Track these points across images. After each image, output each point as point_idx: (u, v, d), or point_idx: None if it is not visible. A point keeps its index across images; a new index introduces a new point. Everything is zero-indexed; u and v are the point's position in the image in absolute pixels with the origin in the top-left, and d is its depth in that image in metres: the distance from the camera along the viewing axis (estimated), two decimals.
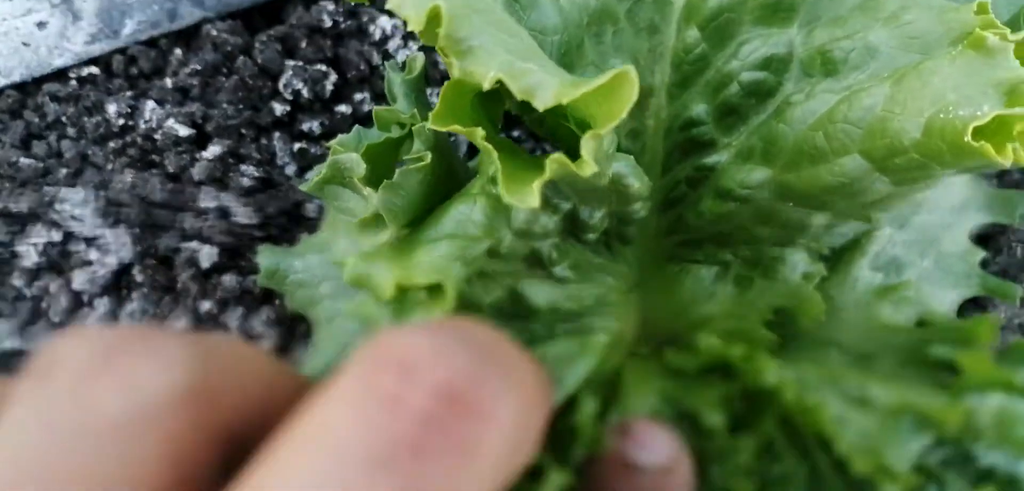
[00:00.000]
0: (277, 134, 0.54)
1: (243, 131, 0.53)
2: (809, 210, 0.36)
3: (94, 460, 0.20)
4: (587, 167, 0.25)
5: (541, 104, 0.24)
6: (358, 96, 0.54)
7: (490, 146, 0.26)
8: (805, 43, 0.35)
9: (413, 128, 0.36)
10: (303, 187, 0.40)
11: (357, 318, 0.40)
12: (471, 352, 0.22)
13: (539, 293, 0.38)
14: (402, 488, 0.19)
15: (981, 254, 0.51)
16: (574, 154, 0.26)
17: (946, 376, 0.44)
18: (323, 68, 0.54)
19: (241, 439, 0.23)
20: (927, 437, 0.35)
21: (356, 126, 0.40)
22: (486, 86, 0.25)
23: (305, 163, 0.53)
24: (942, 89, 0.29)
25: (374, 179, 0.35)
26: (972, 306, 0.53)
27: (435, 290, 0.33)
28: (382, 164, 0.36)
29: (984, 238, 0.55)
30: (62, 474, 0.20)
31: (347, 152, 0.37)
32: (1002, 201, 0.52)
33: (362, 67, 0.55)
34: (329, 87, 0.54)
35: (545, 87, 0.24)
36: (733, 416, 0.43)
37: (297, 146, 0.54)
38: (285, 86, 0.55)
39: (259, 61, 0.56)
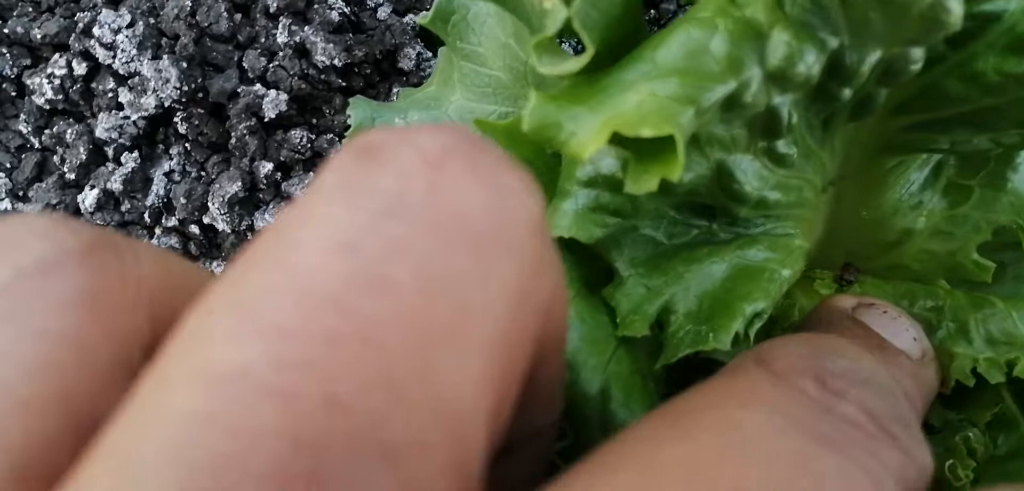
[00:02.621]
0: None
1: None
2: None
3: (455, 267, 0.16)
4: None
5: None
6: None
7: None
8: None
9: None
10: (420, 19, 0.31)
11: None
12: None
13: (751, 175, 0.29)
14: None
15: None
16: None
17: None
18: None
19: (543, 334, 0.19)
20: None
21: None
22: None
23: (401, 5, 0.43)
24: None
25: None
26: None
27: (652, 148, 0.24)
28: None
29: None
30: None
31: None
32: None
33: None
34: None
35: None
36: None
37: None
38: None
39: None
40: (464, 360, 0.16)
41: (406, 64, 0.42)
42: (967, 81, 0.30)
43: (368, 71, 0.42)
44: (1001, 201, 0.38)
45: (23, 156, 0.45)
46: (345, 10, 0.42)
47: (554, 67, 0.25)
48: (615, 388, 0.29)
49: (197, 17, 0.41)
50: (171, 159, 0.42)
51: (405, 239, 0.15)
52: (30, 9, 0.44)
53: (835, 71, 0.27)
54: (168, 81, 0.41)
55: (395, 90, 0.41)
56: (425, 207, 0.16)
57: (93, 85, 0.43)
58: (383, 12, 0.44)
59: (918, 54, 0.27)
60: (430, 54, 0.42)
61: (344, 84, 0.41)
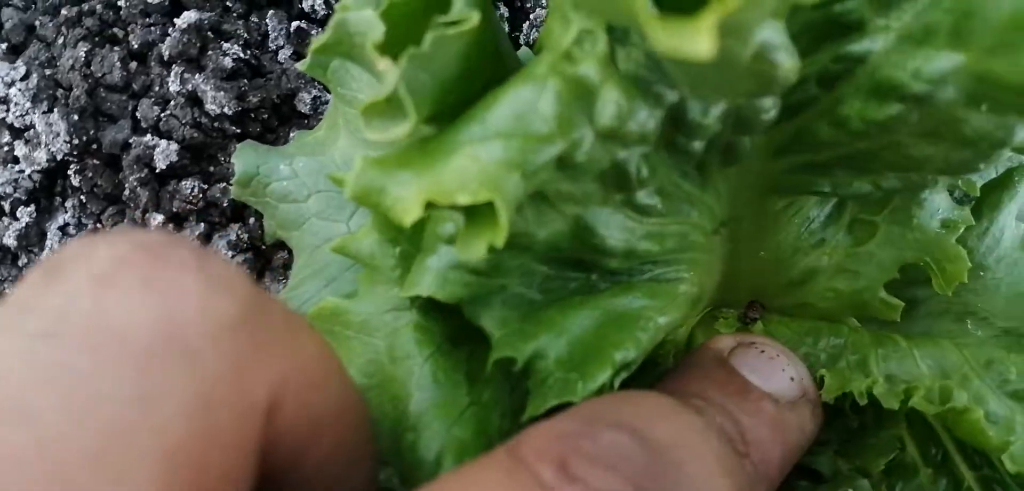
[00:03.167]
0: (272, 11, 0.43)
1: (229, 3, 0.43)
2: (1010, 118, 0.27)
3: (108, 388, 0.16)
4: None
5: None
6: None
7: None
8: None
9: None
10: (300, 65, 0.30)
11: (346, 255, 0.30)
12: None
13: (614, 227, 0.28)
14: None
15: None
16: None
17: None
18: None
19: (277, 433, 0.19)
20: None
21: None
22: None
23: (303, 47, 0.42)
24: None
25: (395, 48, 0.25)
26: None
27: (479, 214, 0.23)
28: (408, 28, 0.26)
29: None
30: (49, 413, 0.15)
31: (360, 9, 0.27)
32: None
33: None
34: None
35: None
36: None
37: (295, 25, 0.43)
38: None
39: None
40: (118, 482, 0.15)
41: (305, 107, 0.42)
42: (836, 126, 0.30)
43: (265, 116, 0.41)
44: (907, 238, 0.37)
45: None
46: (242, 55, 0.41)
47: (381, 133, 0.24)
48: (448, 456, 0.28)
49: (91, 67, 0.41)
50: (66, 212, 0.42)
51: (58, 362, 0.15)
52: None
53: (679, 124, 0.27)
54: (58, 135, 0.40)
55: (293, 134, 0.41)
56: (84, 327, 0.16)
57: None
58: (284, 55, 0.43)
59: (768, 103, 0.27)
60: (329, 97, 0.42)
61: (239, 131, 0.41)
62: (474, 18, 0.25)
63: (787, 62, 0.24)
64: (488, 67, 0.28)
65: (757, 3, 0.18)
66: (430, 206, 0.23)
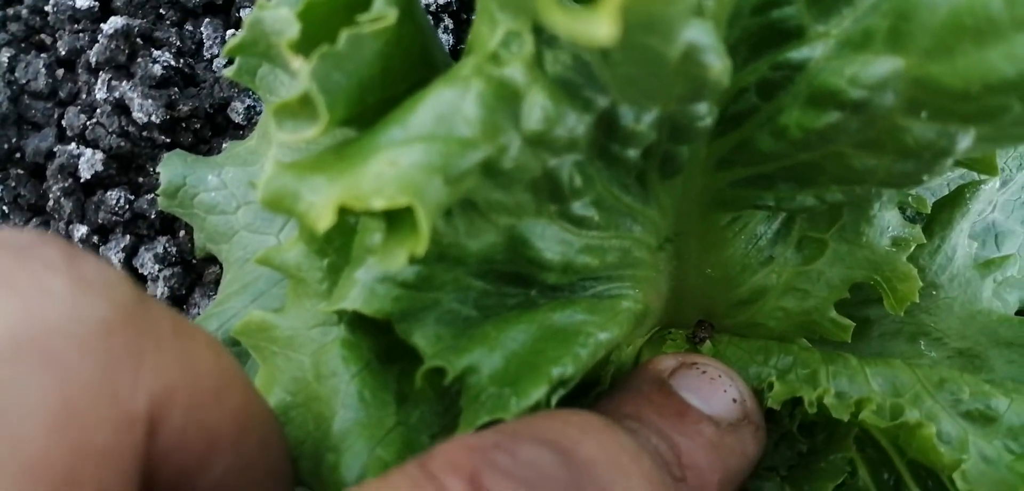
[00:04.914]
0: (208, 19, 0.43)
1: (163, 10, 0.42)
2: (952, 126, 0.25)
3: None
4: None
5: None
6: None
7: None
8: None
9: None
10: (227, 72, 0.29)
11: (272, 267, 0.29)
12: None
13: (550, 240, 0.28)
14: None
15: None
16: None
17: None
18: None
19: (164, 447, 0.18)
20: None
21: None
22: None
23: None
24: None
25: (311, 47, 0.24)
26: None
27: (399, 220, 0.22)
28: (327, 27, 0.25)
29: None
30: None
31: (277, 8, 0.26)
32: None
33: None
34: None
35: None
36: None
37: (231, 34, 0.42)
38: None
39: None
40: None
41: (238, 116, 0.41)
42: (776, 136, 0.29)
43: (198, 126, 0.40)
44: (857, 256, 0.37)
45: None
46: (174, 63, 0.41)
47: (292, 135, 0.24)
48: (370, 477, 0.27)
49: (16, 73, 0.40)
50: None
51: None
52: None
53: (612, 131, 0.26)
54: None
55: (226, 144, 0.40)
56: None
57: None
58: (219, 64, 0.42)
59: (703, 109, 0.26)
60: (263, 106, 0.41)
61: (169, 140, 0.40)
62: (391, 16, 0.24)
63: (717, 64, 0.23)
64: (413, 69, 0.27)
65: None
66: (345, 212, 0.22)
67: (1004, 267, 0.41)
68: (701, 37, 0.22)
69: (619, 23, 0.17)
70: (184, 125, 0.40)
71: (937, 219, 0.40)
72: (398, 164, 0.23)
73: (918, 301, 0.36)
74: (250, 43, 0.27)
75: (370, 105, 0.25)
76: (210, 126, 0.41)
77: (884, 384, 0.36)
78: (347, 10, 0.26)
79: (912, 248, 0.36)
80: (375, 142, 0.24)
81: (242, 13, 0.44)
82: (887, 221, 0.36)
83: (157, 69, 0.40)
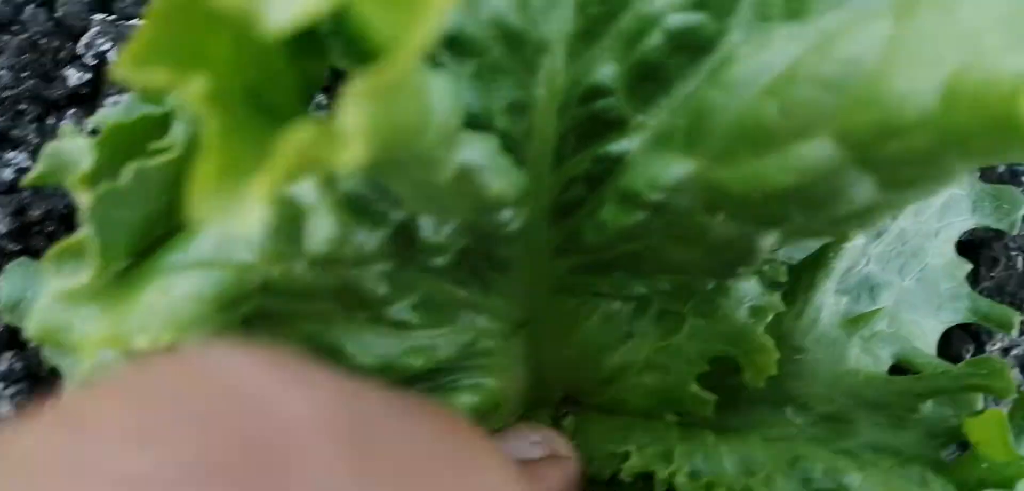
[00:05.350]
0: (72, 111, 0.42)
1: (22, 106, 0.42)
2: (749, 227, 0.25)
3: None
4: (350, 147, 0.14)
5: (274, 21, 0.14)
6: None
7: (209, 107, 0.15)
8: None
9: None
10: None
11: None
12: None
13: (364, 345, 0.27)
14: None
15: (968, 267, 0.43)
16: None
17: (943, 448, 0.38)
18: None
19: None
20: None
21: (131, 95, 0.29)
22: None
23: None
24: (977, 27, 0.18)
25: (104, 179, 0.24)
26: (959, 331, 0.46)
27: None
28: (124, 157, 0.25)
29: (968, 246, 0.47)
30: None
31: (74, 137, 0.26)
32: (995, 200, 0.43)
33: None
34: None
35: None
36: None
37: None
38: (87, 47, 0.44)
39: (58, 13, 0.45)
40: None
41: None
42: (597, 230, 0.29)
43: (52, 229, 0.40)
44: (714, 330, 0.37)
45: None
46: (28, 164, 0.40)
47: (68, 278, 0.23)
48: None
49: None
50: None
51: None
52: None
53: (412, 242, 0.26)
54: None
55: None
56: None
57: None
58: None
59: (507, 216, 0.26)
60: None
61: (20, 247, 0.39)
62: (178, 147, 0.24)
63: (494, 184, 0.23)
64: None
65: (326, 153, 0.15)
66: (113, 345, 0.22)
67: (872, 322, 0.41)
68: (476, 157, 0.22)
69: (369, 147, 0.16)
70: (37, 230, 0.40)
71: (800, 282, 0.40)
72: (171, 294, 0.22)
73: (780, 370, 0.36)
74: (48, 175, 0.26)
75: (159, 238, 0.24)
76: (65, 228, 0.40)
77: (738, 463, 0.36)
78: (144, 139, 0.25)
79: (769, 316, 0.36)
80: (154, 268, 0.23)
81: (106, 103, 0.44)
82: (745, 291, 0.36)
83: (8, 173, 0.40)
